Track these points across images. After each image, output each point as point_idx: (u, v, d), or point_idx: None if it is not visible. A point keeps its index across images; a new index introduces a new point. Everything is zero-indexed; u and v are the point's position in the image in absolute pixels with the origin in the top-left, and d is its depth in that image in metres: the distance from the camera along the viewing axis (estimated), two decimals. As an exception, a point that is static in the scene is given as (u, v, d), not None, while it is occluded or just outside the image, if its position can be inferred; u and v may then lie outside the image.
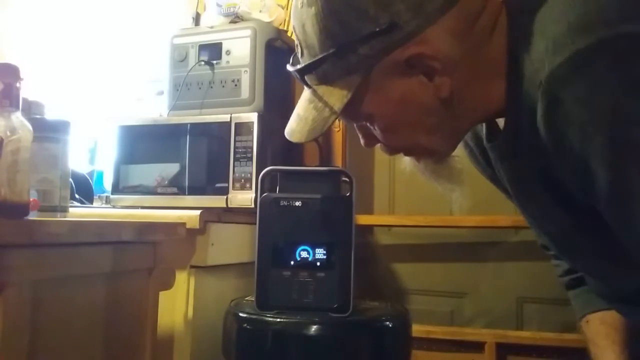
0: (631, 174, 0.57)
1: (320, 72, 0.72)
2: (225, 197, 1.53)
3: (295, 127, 0.77)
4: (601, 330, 0.98)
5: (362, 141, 0.81)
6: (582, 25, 0.58)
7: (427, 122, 0.74)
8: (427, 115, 0.73)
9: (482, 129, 0.84)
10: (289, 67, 0.79)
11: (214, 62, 1.66)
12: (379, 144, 0.80)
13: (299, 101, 0.78)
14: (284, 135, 0.80)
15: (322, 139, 1.86)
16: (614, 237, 0.64)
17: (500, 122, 0.77)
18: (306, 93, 0.77)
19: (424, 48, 0.67)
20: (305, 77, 0.76)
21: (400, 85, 0.71)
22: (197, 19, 1.91)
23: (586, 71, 0.57)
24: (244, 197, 1.51)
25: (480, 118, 0.78)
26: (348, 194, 1.28)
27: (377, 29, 0.66)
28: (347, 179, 1.30)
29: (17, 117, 0.84)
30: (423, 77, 0.69)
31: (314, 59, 0.72)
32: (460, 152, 0.87)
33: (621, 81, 0.56)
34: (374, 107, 0.73)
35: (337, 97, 0.71)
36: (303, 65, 0.75)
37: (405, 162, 0.85)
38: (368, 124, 0.77)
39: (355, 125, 0.80)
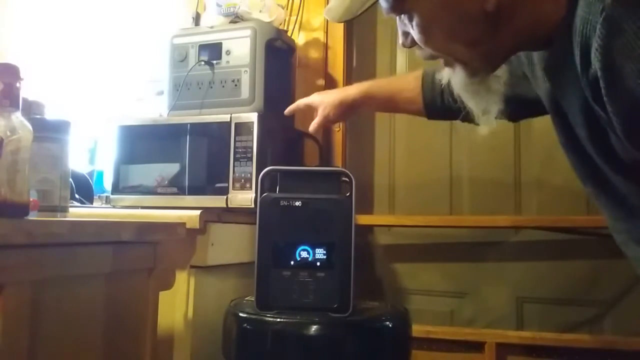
0: None
1: None
2: (225, 197, 1.53)
3: (332, 6, 0.75)
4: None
5: (400, 40, 0.78)
6: None
7: (466, 34, 0.71)
8: (468, 26, 0.70)
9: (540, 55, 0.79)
10: None
11: (214, 62, 1.66)
12: (415, 48, 0.77)
13: None
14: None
15: (322, 139, 1.86)
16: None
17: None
18: None
19: None
20: None
21: None
22: (197, 19, 1.90)
23: None
24: (244, 197, 1.51)
25: (526, 42, 0.74)
26: (348, 194, 1.28)
27: None
28: (347, 179, 1.30)
29: (17, 117, 0.84)
30: None
31: None
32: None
33: None
34: (415, 3, 0.70)
35: None
36: None
37: (444, 74, 0.81)
38: (407, 21, 0.74)
39: (397, 21, 0.76)
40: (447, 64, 0.78)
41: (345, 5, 0.73)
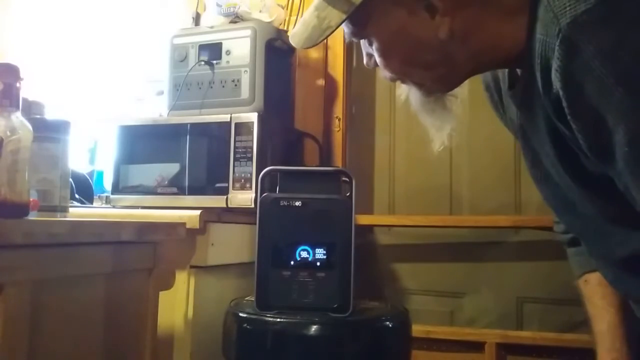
0: None
1: None
2: (225, 197, 1.53)
3: (296, 31, 0.78)
4: (598, 290, 0.97)
5: (364, 60, 0.81)
6: None
7: (422, 58, 0.74)
8: (424, 52, 0.73)
9: (505, 75, 0.81)
10: None
11: (214, 62, 1.66)
12: (378, 67, 0.80)
13: (310, 5, 0.78)
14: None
15: (322, 139, 1.86)
16: (616, 198, 0.61)
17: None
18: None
19: None
20: None
21: (401, 15, 0.71)
22: (197, 19, 1.91)
23: (612, 21, 0.54)
24: (244, 197, 1.51)
25: (486, 63, 0.76)
26: (348, 194, 1.28)
27: None
28: (347, 179, 1.30)
29: (17, 117, 0.84)
30: (425, 12, 0.69)
31: None
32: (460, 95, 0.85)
33: None
34: (374, 30, 0.74)
35: (337, 12, 0.71)
36: None
37: (402, 90, 0.84)
38: (368, 45, 0.77)
39: (361, 43, 0.80)
40: (405, 83, 0.82)
41: (307, 34, 0.76)
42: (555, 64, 0.58)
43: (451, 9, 0.68)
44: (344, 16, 0.71)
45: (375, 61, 0.79)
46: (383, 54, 0.76)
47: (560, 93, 0.60)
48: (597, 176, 0.65)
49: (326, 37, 0.75)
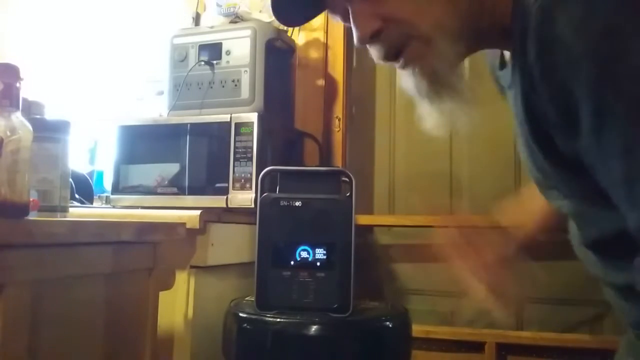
0: (615, 108, 0.53)
1: None
2: (225, 197, 1.53)
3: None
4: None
5: (356, 36, 0.73)
6: None
7: (428, 12, 0.68)
8: (430, 4, 0.68)
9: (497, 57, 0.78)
10: None
11: (214, 62, 1.66)
12: (373, 50, 0.74)
13: None
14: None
15: (322, 139, 1.86)
16: (586, 177, 0.60)
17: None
18: None
19: None
20: None
21: None
22: (197, 19, 1.91)
23: None
24: (244, 197, 1.51)
25: (486, 28, 0.70)
26: (348, 194, 1.29)
27: None
28: (347, 179, 1.30)
29: (17, 117, 0.84)
30: None
31: None
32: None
33: (619, 9, 0.52)
34: None
35: None
36: None
37: (405, 84, 0.76)
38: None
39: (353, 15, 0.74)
40: (406, 54, 0.72)
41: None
42: (530, 32, 0.58)
43: None
44: None
45: (370, 38, 0.72)
46: (398, 25, 0.68)
47: (534, 61, 0.58)
48: (569, 157, 0.63)
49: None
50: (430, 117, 0.75)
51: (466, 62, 0.79)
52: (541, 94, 0.60)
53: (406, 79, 0.74)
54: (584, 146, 0.58)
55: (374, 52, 0.74)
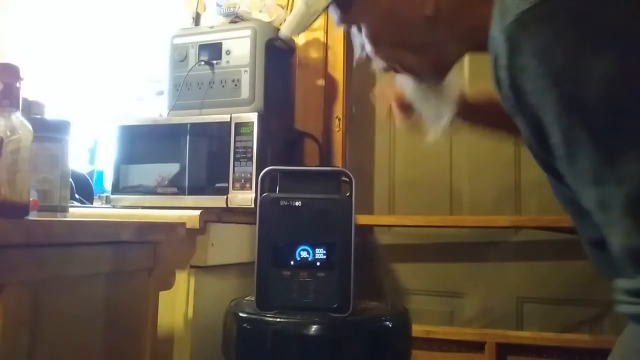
0: (580, 136, 0.54)
1: None
2: (225, 197, 1.53)
3: (286, 23, 0.80)
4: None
5: (357, 53, 0.81)
6: None
7: (411, 40, 0.74)
8: (412, 32, 0.73)
9: None
10: None
11: (214, 62, 1.66)
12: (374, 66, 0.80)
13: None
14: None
15: (322, 139, 1.86)
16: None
17: None
18: None
19: None
20: None
21: None
22: (197, 19, 1.91)
23: (550, 22, 0.54)
24: (244, 197, 1.51)
25: (472, 47, 0.74)
26: (348, 194, 1.28)
27: None
28: (347, 179, 1.30)
29: (17, 117, 0.84)
30: None
31: None
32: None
33: (582, 38, 0.53)
34: (361, 13, 0.75)
35: None
36: None
37: (398, 80, 0.84)
38: (358, 32, 0.78)
39: (353, 35, 0.80)
40: (397, 71, 0.81)
41: (296, 21, 0.78)
42: (501, 61, 0.59)
43: None
44: (325, 4, 0.73)
45: (367, 53, 0.79)
46: (372, 38, 0.75)
47: (508, 90, 0.60)
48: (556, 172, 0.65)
49: (313, 21, 0.77)
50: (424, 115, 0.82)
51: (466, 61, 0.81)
52: (519, 120, 0.62)
53: (400, 80, 0.81)
54: (561, 170, 0.60)
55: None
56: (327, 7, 0.75)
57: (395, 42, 0.75)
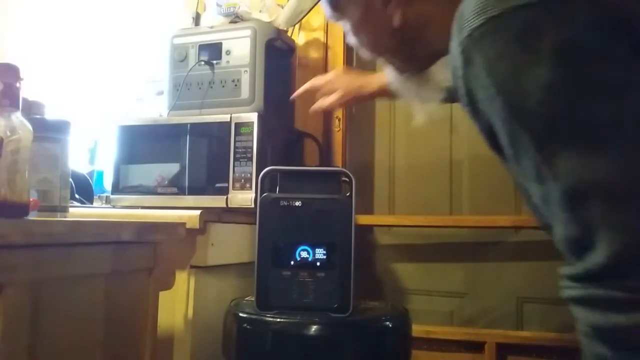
0: (523, 139, 0.60)
1: None
2: (225, 197, 1.53)
3: (280, 15, 0.91)
4: None
5: (347, 38, 0.90)
6: None
7: (385, 43, 0.83)
8: (385, 38, 0.81)
9: None
10: None
11: (214, 62, 1.66)
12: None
13: None
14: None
15: (322, 139, 1.86)
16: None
17: None
18: None
19: None
20: None
21: (362, 4, 0.80)
22: (197, 19, 1.90)
23: (495, 38, 0.60)
24: (244, 197, 1.51)
25: (446, 50, 0.80)
26: (348, 194, 1.29)
27: None
28: (347, 179, 1.30)
29: (17, 117, 0.84)
30: (381, 4, 0.78)
31: None
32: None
33: (524, 52, 0.58)
34: (344, 14, 0.84)
35: None
36: None
37: (389, 75, 0.92)
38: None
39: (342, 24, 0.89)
40: (381, 60, 0.91)
41: (288, 15, 0.86)
42: (457, 72, 0.65)
43: (402, 1, 0.76)
44: (314, 2, 0.82)
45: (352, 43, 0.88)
46: (354, 36, 0.85)
47: (464, 98, 0.66)
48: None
49: (302, 19, 0.85)
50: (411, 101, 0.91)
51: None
52: (476, 123, 0.68)
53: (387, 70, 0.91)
54: (512, 169, 0.66)
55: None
56: (312, 8, 0.83)
57: (373, 43, 0.85)
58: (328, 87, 1.34)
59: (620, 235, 0.55)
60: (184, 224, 1.20)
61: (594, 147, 0.56)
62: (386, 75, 0.92)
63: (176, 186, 1.59)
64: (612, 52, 0.57)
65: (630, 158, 0.55)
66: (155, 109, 1.79)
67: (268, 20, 1.71)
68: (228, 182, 1.53)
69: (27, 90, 0.92)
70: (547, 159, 0.58)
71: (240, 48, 1.64)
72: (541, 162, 0.59)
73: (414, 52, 0.82)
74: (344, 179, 1.33)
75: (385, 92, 1.27)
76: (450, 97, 0.91)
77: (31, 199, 0.88)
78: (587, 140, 0.56)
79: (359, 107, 1.97)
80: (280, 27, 0.80)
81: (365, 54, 0.88)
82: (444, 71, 0.84)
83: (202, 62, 1.67)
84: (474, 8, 0.61)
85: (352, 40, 0.86)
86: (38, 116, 1.09)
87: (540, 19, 0.58)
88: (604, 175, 0.55)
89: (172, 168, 1.61)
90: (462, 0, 0.65)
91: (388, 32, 0.79)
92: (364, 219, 1.76)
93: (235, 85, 1.63)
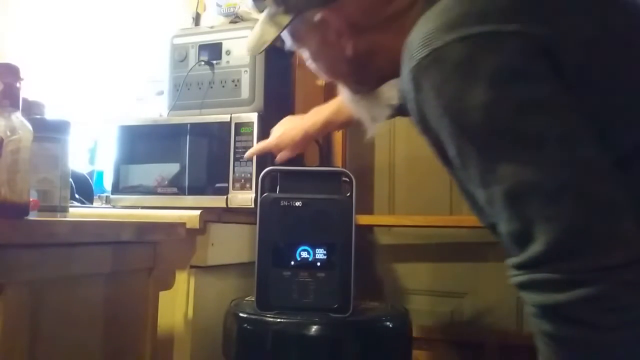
0: (468, 151, 0.69)
1: (274, 2, 0.90)
2: (225, 197, 1.53)
3: (249, 38, 0.95)
4: None
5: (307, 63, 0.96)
6: (446, 25, 0.69)
7: (340, 70, 0.90)
8: (340, 65, 0.88)
9: None
10: None
11: (214, 62, 1.66)
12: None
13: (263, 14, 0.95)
14: None
15: (322, 139, 1.86)
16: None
17: None
18: (265, 12, 0.92)
19: (333, 15, 0.82)
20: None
21: (318, 34, 0.87)
22: (197, 19, 1.91)
23: (441, 65, 0.69)
24: (244, 197, 1.51)
25: (391, 77, 0.90)
26: (348, 194, 1.29)
27: None
28: (347, 179, 1.31)
29: (17, 117, 0.84)
30: (333, 34, 0.84)
31: None
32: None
33: (464, 77, 0.68)
34: (302, 42, 0.91)
35: (275, 27, 0.90)
36: None
37: (344, 96, 0.99)
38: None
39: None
40: (337, 83, 0.98)
41: (252, 43, 0.94)
42: (409, 95, 0.73)
43: (353, 34, 0.84)
44: (275, 35, 0.89)
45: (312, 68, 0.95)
46: (313, 62, 0.92)
47: (416, 118, 0.75)
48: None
49: (264, 49, 0.93)
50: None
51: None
52: (427, 139, 0.77)
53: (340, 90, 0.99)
54: (460, 177, 0.76)
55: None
56: (273, 41, 0.90)
57: (328, 70, 0.92)
58: (279, 147, 1.34)
59: (555, 226, 0.64)
60: (184, 224, 1.20)
61: (526, 154, 0.65)
62: (341, 96, 1.00)
63: (176, 186, 1.59)
64: (536, 76, 0.67)
65: (555, 160, 0.65)
66: (155, 109, 1.80)
67: (268, 20, 1.70)
68: (228, 182, 1.53)
69: (27, 90, 0.92)
70: (488, 167, 0.68)
71: (240, 48, 1.64)
72: (484, 170, 0.68)
73: (366, 76, 0.90)
74: (344, 179, 1.33)
75: (327, 129, 1.36)
76: (397, 112, 1.01)
77: (31, 199, 0.88)
78: (519, 149, 0.66)
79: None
80: (248, 53, 0.88)
81: (323, 77, 0.96)
82: (392, 90, 0.93)
83: (202, 62, 1.67)
84: (421, 39, 0.70)
85: (311, 66, 0.94)
86: (38, 116, 1.09)
87: (476, 50, 0.67)
88: (536, 176, 0.65)
89: (172, 168, 1.61)
90: (408, 30, 0.74)
91: (342, 60, 0.87)
92: (364, 219, 1.76)
93: (235, 85, 1.63)
